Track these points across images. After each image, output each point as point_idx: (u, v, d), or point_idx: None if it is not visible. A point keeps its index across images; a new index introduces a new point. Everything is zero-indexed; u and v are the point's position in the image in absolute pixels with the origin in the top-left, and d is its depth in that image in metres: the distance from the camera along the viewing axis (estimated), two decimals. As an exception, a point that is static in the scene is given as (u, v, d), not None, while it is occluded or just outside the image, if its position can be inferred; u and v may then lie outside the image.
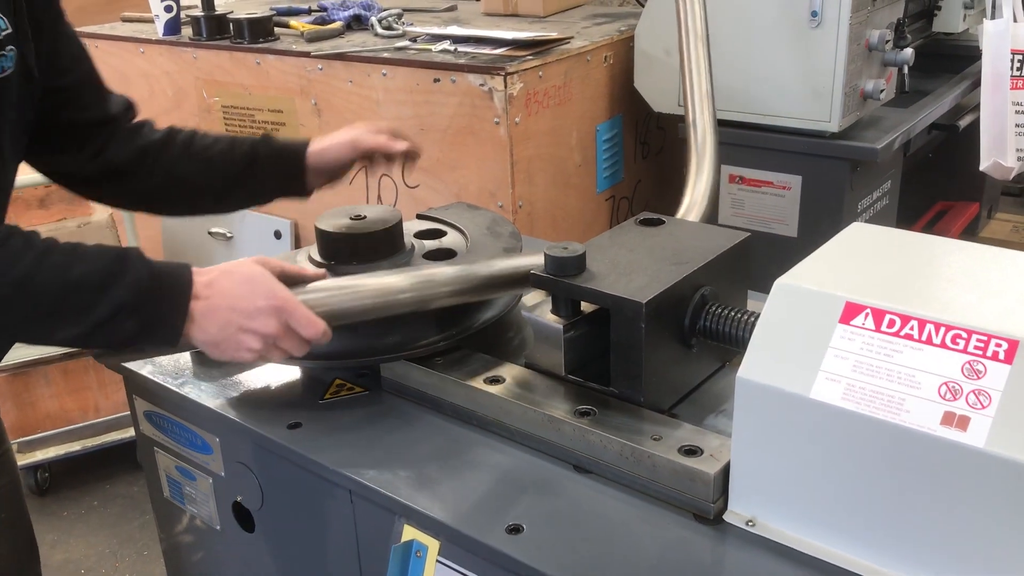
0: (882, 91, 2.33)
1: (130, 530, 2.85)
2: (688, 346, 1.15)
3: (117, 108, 1.43)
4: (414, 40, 2.59)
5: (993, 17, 2.42)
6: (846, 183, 2.33)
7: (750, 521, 0.97)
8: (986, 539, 0.82)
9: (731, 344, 1.13)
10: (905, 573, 0.88)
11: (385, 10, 2.90)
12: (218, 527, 1.38)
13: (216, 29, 2.83)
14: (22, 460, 2.83)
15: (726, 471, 0.98)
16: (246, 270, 1.14)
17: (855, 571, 0.91)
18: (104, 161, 1.40)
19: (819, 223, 2.37)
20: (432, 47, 2.48)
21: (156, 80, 2.96)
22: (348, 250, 1.40)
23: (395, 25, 2.77)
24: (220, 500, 1.35)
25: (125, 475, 3.06)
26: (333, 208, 1.45)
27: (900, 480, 0.86)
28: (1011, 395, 0.81)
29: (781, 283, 0.95)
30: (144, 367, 1.36)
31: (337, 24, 2.81)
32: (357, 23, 2.86)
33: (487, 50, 2.40)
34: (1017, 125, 2.43)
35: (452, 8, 3.23)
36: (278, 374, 1.32)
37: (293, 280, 1.17)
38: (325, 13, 2.96)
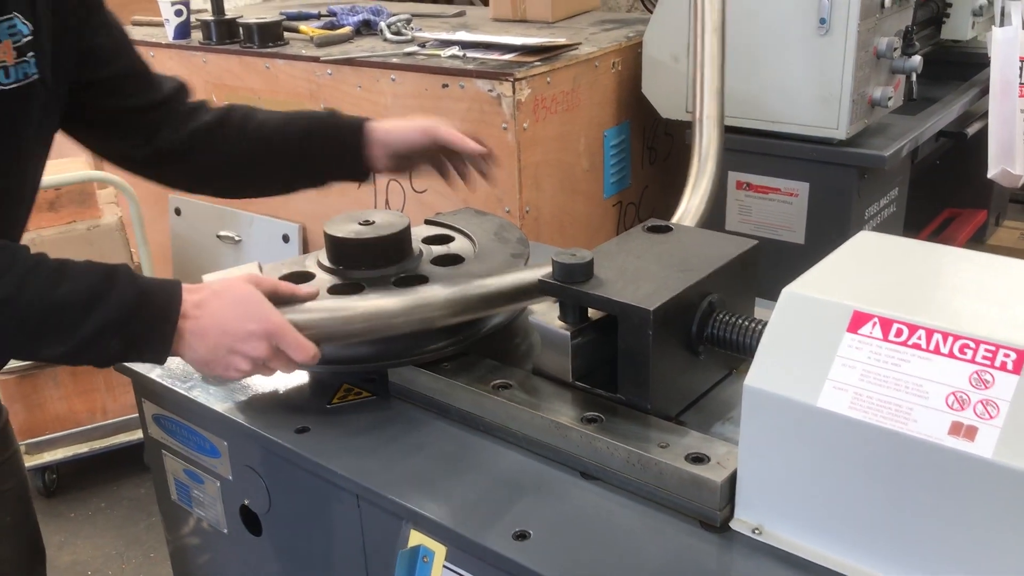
0: (890, 98, 2.33)
1: (137, 532, 2.86)
2: (695, 353, 1.16)
3: (166, 92, 1.40)
4: (423, 45, 2.60)
5: (1002, 24, 2.42)
6: (853, 190, 2.33)
7: (756, 529, 0.97)
8: (993, 549, 0.82)
9: (738, 352, 1.13)
10: (912, 582, 0.88)
11: (394, 15, 2.91)
12: (225, 530, 1.38)
13: (226, 33, 2.85)
14: (30, 461, 2.85)
15: (733, 479, 0.99)
16: (238, 292, 1.13)
17: (861, 580, 0.91)
18: (159, 145, 1.39)
19: (826, 230, 2.37)
20: (441, 52, 2.49)
21: (166, 84, 2.97)
22: (357, 255, 1.41)
23: (404, 30, 2.78)
24: (227, 503, 1.35)
25: (132, 477, 3.07)
26: (342, 213, 1.46)
27: (907, 490, 0.86)
28: (1019, 405, 0.81)
29: (789, 291, 0.95)
30: (153, 371, 1.36)
31: (346, 29, 2.82)
32: (366, 28, 2.88)
33: (496, 56, 2.41)
34: (1025, 133, 2.43)
35: (461, 14, 3.24)
36: (286, 379, 1.33)
37: (285, 300, 1.17)
38: (335, 18, 2.97)
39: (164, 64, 2.95)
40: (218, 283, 1.14)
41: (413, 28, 2.83)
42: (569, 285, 1.13)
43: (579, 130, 2.52)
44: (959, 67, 2.93)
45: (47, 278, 1.05)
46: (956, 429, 0.82)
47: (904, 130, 2.44)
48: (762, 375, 0.93)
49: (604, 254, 1.19)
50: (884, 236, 1.09)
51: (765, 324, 1.02)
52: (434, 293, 1.23)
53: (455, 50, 2.49)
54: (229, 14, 2.90)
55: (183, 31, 2.94)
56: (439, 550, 1.05)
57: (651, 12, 2.89)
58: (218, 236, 3.05)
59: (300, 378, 1.33)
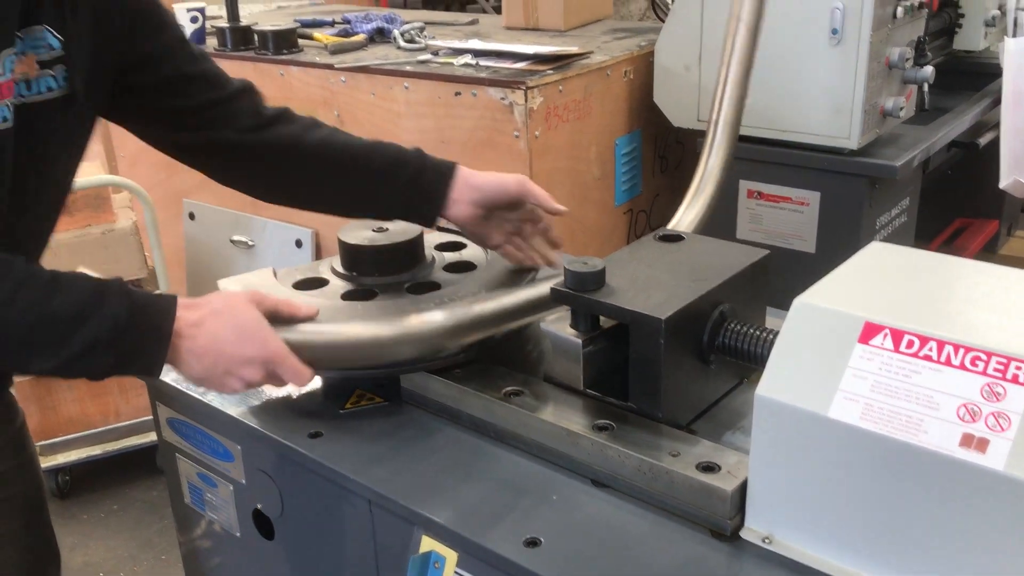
0: (902, 108, 2.33)
1: (149, 535, 2.87)
2: (706, 362, 1.16)
3: (230, 91, 1.36)
4: (436, 53, 2.61)
5: (1015, 35, 2.42)
6: (865, 200, 2.34)
7: (767, 538, 0.98)
8: (1003, 561, 0.83)
9: (749, 361, 1.14)
10: (921, 593, 0.89)
11: (408, 23, 2.92)
12: (238, 534, 1.39)
13: (241, 40, 2.87)
14: (43, 463, 2.87)
15: (743, 488, 0.99)
16: (239, 315, 1.12)
17: (871, 590, 0.91)
18: (217, 140, 1.35)
19: (837, 239, 2.37)
20: (454, 60, 2.51)
21: (180, 90, 3.00)
22: (370, 262, 1.42)
23: (417, 38, 2.79)
24: (240, 507, 1.36)
25: (144, 480, 3.09)
26: (355, 220, 1.47)
27: (918, 501, 0.86)
28: (1029, 417, 0.81)
29: (800, 302, 0.96)
30: (168, 374, 1.37)
31: (360, 37, 2.84)
32: (380, 36, 2.89)
33: (508, 64, 2.42)
34: (1038, 143, 2.42)
35: (474, 22, 3.26)
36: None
37: (286, 320, 1.16)
38: (348, 26, 2.99)
39: (179, 70, 2.97)
40: (220, 301, 1.13)
41: (426, 36, 2.84)
42: (581, 293, 1.14)
43: (590, 138, 2.53)
44: (971, 77, 2.93)
45: (39, 291, 1.04)
46: (967, 441, 0.83)
47: (916, 140, 2.44)
48: (773, 385, 0.94)
49: (616, 263, 1.20)
50: (895, 247, 1.09)
51: (776, 334, 1.03)
52: (433, 318, 1.21)
53: (468, 58, 2.50)
54: (244, 21, 2.92)
55: (198, 37, 2.97)
56: (450, 556, 1.06)
57: (663, 21, 2.90)
58: (231, 241, 3.06)
59: (313, 383, 1.34)
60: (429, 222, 1.42)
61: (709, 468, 1.02)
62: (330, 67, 2.61)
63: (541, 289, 1.30)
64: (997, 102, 2.64)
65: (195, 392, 1.33)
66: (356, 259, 1.43)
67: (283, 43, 2.78)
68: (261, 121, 1.36)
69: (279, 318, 1.15)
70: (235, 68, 2.84)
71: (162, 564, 2.76)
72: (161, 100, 1.32)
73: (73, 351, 1.05)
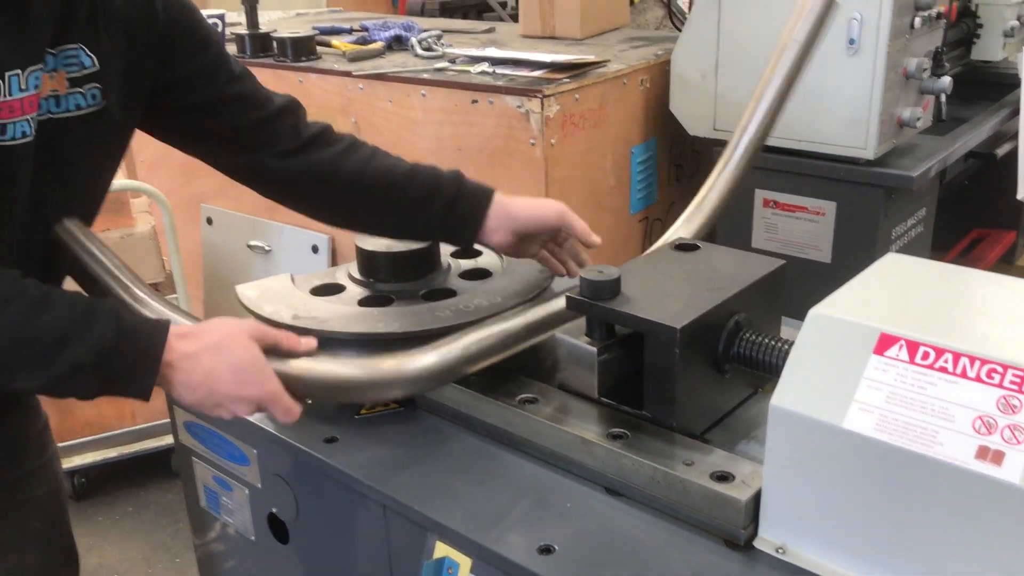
0: (919, 119, 2.33)
1: (163, 537, 2.89)
2: (721, 372, 1.16)
3: (273, 110, 1.35)
4: (453, 61, 2.62)
5: (1033, 46, 2.41)
6: (881, 210, 2.33)
7: (780, 548, 0.98)
8: (1019, 574, 0.83)
9: (764, 371, 1.14)
10: (936, 605, 0.88)
11: (425, 31, 2.94)
12: (252, 537, 1.40)
13: (260, 47, 2.89)
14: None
15: (757, 498, 0.99)
16: (238, 354, 1.09)
17: (885, 601, 0.91)
18: (260, 159, 1.35)
19: (853, 249, 2.36)
20: (471, 68, 2.52)
21: (199, 96, 3.02)
22: (387, 268, 1.43)
23: (435, 46, 2.81)
24: (255, 511, 1.37)
25: (159, 482, 3.11)
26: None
27: (932, 513, 0.86)
28: (1045, 430, 0.81)
29: (815, 313, 0.96)
30: (185, 379, 1.39)
31: (378, 44, 2.86)
32: (398, 44, 2.91)
33: (525, 72, 2.43)
34: (1056, 155, 2.41)
35: (491, 30, 3.27)
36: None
37: (285, 355, 1.13)
38: (367, 33, 3.01)
39: (198, 76, 2.99)
40: (219, 335, 1.09)
41: (443, 44, 2.86)
42: (596, 302, 1.14)
43: (606, 146, 2.53)
44: (989, 87, 2.92)
45: (25, 309, 1.03)
46: (983, 453, 0.83)
47: (933, 150, 2.44)
48: (788, 395, 0.94)
49: (631, 271, 1.21)
50: (911, 258, 1.09)
51: (791, 344, 1.03)
52: (427, 358, 1.19)
53: (485, 66, 2.51)
54: (263, 28, 2.94)
55: (218, 44, 2.99)
56: (464, 562, 1.06)
57: (680, 30, 2.91)
58: (249, 246, 3.08)
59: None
60: (467, 247, 1.47)
61: (723, 477, 1.02)
62: (348, 74, 2.63)
63: (538, 314, 1.29)
64: (1015, 113, 2.63)
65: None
66: (373, 266, 1.44)
67: (302, 50, 2.80)
68: (299, 144, 1.35)
69: (279, 352, 1.12)
70: (254, 74, 2.87)
71: (176, 567, 2.77)
72: (199, 121, 1.33)
73: (57, 372, 1.03)
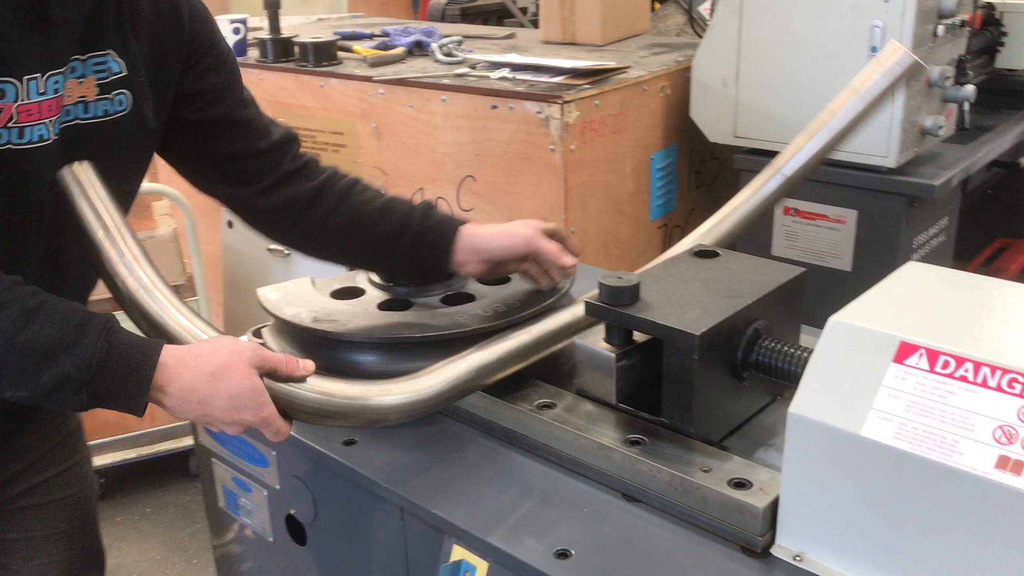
0: (941, 127, 2.32)
1: (181, 538, 2.90)
2: (740, 379, 1.16)
3: (271, 142, 1.37)
4: (473, 67, 2.63)
5: (1058, 55, 2.39)
6: (902, 219, 2.32)
7: (798, 556, 0.98)
8: (1038, 585, 0.82)
9: (783, 379, 1.14)
10: (954, 616, 0.88)
11: (446, 37, 2.95)
12: (271, 539, 1.41)
13: (282, 52, 2.91)
14: (80, 465, 2.91)
15: (775, 505, 0.99)
16: (236, 384, 1.05)
17: (903, 611, 0.90)
18: (251, 194, 1.36)
19: (873, 258, 2.35)
20: (491, 74, 2.53)
21: (222, 100, 3.05)
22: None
23: (455, 52, 2.82)
24: (274, 512, 1.38)
25: (177, 484, 3.13)
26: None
27: (951, 522, 0.86)
28: (1067, 441, 0.80)
29: (835, 321, 0.96)
30: (206, 380, 1.40)
31: (399, 50, 2.87)
32: (418, 49, 2.92)
33: (545, 78, 2.44)
34: (1081, 164, 2.39)
35: (511, 36, 3.28)
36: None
37: (284, 379, 1.10)
38: (388, 39, 3.03)
39: (221, 81, 3.02)
40: (218, 360, 1.06)
41: (464, 50, 2.87)
42: (615, 308, 1.14)
43: (626, 152, 2.54)
44: (1014, 96, 2.90)
45: (16, 317, 1.01)
46: (1003, 463, 0.82)
47: (955, 159, 2.42)
48: (807, 403, 0.94)
49: (650, 278, 1.21)
50: (932, 267, 1.09)
51: (810, 352, 1.03)
52: (431, 381, 1.18)
53: (505, 72, 2.52)
54: (285, 33, 2.97)
55: (240, 49, 3.02)
56: (481, 565, 1.06)
57: (700, 37, 2.90)
58: (269, 249, 3.10)
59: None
60: (446, 278, 1.43)
61: (741, 484, 1.02)
62: (368, 79, 2.64)
63: (541, 330, 1.30)
64: (1039, 122, 2.61)
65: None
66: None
67: (323, 55, 2.82)
68: (279, 177, 1.36)
69: (278, 377, 1.09)
70: (276, 79, 2.89)
71: (193, 568, 2.79)
72: (201, 139, 1.33)
73: (45, 384, 1.02)
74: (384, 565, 1.23)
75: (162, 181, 3.21)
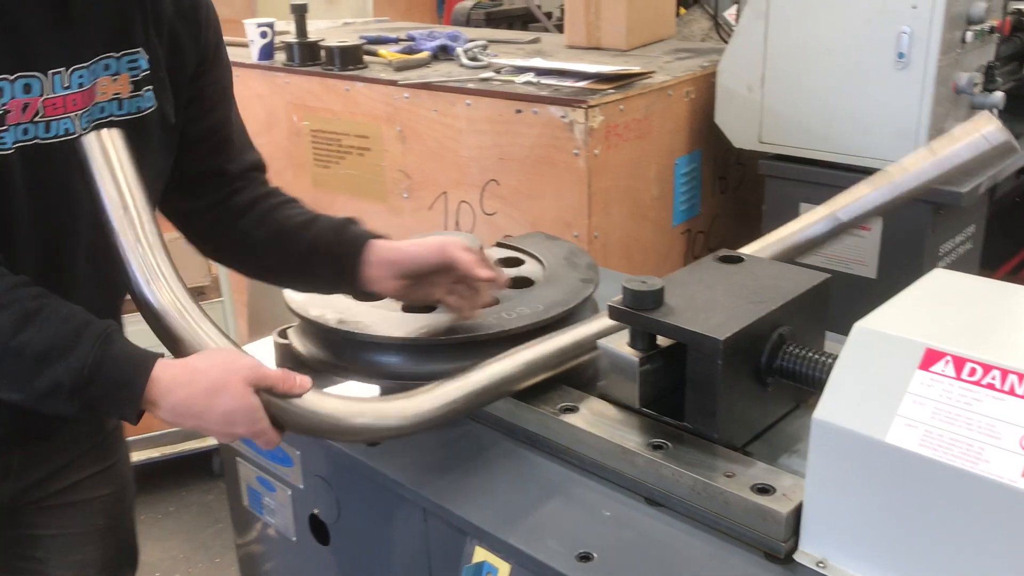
0: (969, 134, 2.30)
1: (204, 537, 2.93)
2: (764, 385, 1.16)
3: (242, 167, 1.37)
4: (498, 71, 2.64)
5: (1088, 62, 2.37)
6: (928, 226, 2.30)
7: (821, 562, 0.97)
8: (1065, 595, 0.81)
9: (807, 385, 1.13)
10: (979, 625, 0.87)
11: (471, 41, 2.96)
12: (294, 538, 1.42)
13: (308, 55, 2.93)
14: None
15: (798, 511, 0.99)
16: (231, 403, 1.04)
17: (927, 620, 0.90)
18: (199, 214, 1.36)
19: (899, 265, 2.34)
20: (515, 79, 2.53)
21: (248, 103, 3.07)
22: (431, 275, 1.44)
23: (480, 56, 2.83)
24: (297, 512, 1.39)
25: (200, 483, 3.16)
26: (417, 234, 1.50)
27: (976, 530, 0.85)
28: (1095, 450, 0.80)
29: (860, 327, 0.95)
30: (232, 380, 1.41)
31: (424, 54, 2.89)
32: (443, 53, 2.93)
33: (569, 83, 2.44)
34: (1111, 172, 2.37)
35: (536, 40, 3.29)
36: (359, 393, 1.36)
37: (281, 395, 1.08)
38: (413, 43, 3.04)
39: (248, 84, 3.05)
40: (214, 376, 1.05)
41: (489, 54, 2.88)
42: (639, 312, 1.14)
43: (650, 157, 2.53)
44: (1043, 103, 2.87)
45: (15, 319, 1.02)
46: (1029, 471, 0.82)
47: (983, 166, 2.40)
48: (831, 409, 0.94)
49: (675, 282, 1.21)
50: (959, 274, 1.08)
51: (835, 358, 1.03)
52: (430, 396, 1.16)
53: (530, 76, 2.53)
54: (311, 37, 2.99)
55: (267, 52, 3.04)
56: (503, 567, 1.07)
57: (725, 42, 2.90)
58: (292, 251, 3.12)
59: (372, 393, 1.37)
60: (359, 296, 1.35)
61: (764, 490, 1.02)
62: (394, 83, 2.66)
63: (544, 350, 1.26)
64: (1069, 129, 2.58)
65: (258, 397, 1.36)
66: (417, 272, 1.45)
67: (349, 59, 2.84)
68: (225, 193, 1.36)
69: (275, 393, 1.08)
70: (302, 82, 2.92)
71: (216, 567, 2.81)
72: (181, 154, 1.31)
73: (38, 388, 1.03)
74: (406, 566, 1.24)
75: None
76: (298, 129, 2.98)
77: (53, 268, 1.17)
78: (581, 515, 1.08)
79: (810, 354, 1.13)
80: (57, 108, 1.12)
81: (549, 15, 4.45)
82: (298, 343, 1.40)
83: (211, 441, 3.01)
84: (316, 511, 1.35)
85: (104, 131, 1.12)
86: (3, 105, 1.08)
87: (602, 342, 1.21)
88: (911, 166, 1.36)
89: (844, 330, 0.97)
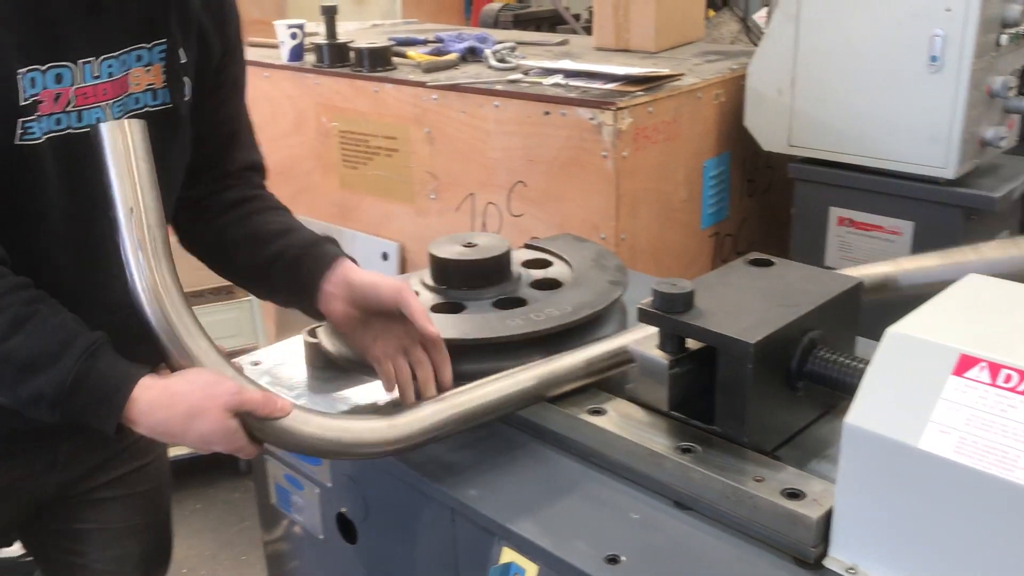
0: (1003, 138, 2.27)
1: (230, 535, 2.95)
2: (794, 389, 1.15)
3: (235, 164, 1.38)
4: (526, 73, 2.64)
5: (1126, 66, 2.33)
6: (959, 231, 2.28)
7: (851, 569, 0.97)
8: (1102, 606, 0.80)
9: (838, 389, 1.12)
10: (1013, 634, 0.86)
11: (499, 43, 2.97)
12: (321, 536, 1.43)
13: (337, 57, 2.95)
14: (134, 460, 2.97)
15: (829, 516, 0.98)
16: (209, 427, 1.06)
17: (960, 628, 0.89)
18: (185, 205, 1.36)
19: (930, 270, 2.31)
20: (544, 80, 2.53)
21: (278, 103, 3.10)
22: (459, 276, 1.45)
23: (508, 58, 2.83)
24: (325, 510, 1.40)
25: (227, 481, 3.18)
26: (444, 235, 1.50)
27: (1011, 538, 0.84)
28: None
29: (893, 332, 0.95)
30: (262, 378, 1.42)
31: (453, 56, 2.90)
32: (472, 55, 2.94)
33: (598, 85, 2.44)
34: None
35: (564, 42, 3.29)
36: (386, 395, 1.37)
37: (261, 419, 1.09)
38: (442, 45, 3.05)
39: (278, 85, 3.07)
40: (193, 399, 1.06)
41: (517, 56, 2.88)
42: (669, 315, 1.14)
43: (679, 160, 2.53)
44: (1078, 107, 2.83)
45: (4, 325, 1.04)
46: (1066, 480, 0.81)
47: (1017, 171, 2.38)
48: (863, 414, 0.93)
49: (705, 285, 1.20)
50: (993, 279, 1.07)
51: (866, 363, 1.02)
52: (422, 413, 1.17)
53: (558, 78, 2.53)
54: (341, 39, 3.01)
55: (297, 53, 3.06)
56: (530, 568, 1.07)
57: (755, 45, 2.88)
58: (320, 251, 3.14)
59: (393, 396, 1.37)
60: (311, 313, 1.32)
61: (794, 495, 1.01)
62: (422, 85, 2.67)
63: (530, 378, 1.23)
64: (1105, 134, 2.54)
65: (288, 396, 1.37)
66: (446, 273, 1.46)
67: (378, 60, 2.85)
68: (217, 187, 1.37)
69: (255, 417, 1.09)
70: (332, 83, 2.93)
71: (241, 564, 2.83)
72: (196, 140, 1.32)
73: (20, 396, 1.05)
74: (434, 565, 1.24)
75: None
76: (327, 130, 3.00)
77: (88, 262, 1.19)
78: (609, 517, 1.08)
79: (841, 359, 1.13)
80: (88, 97, 1.14)
81: (577, 17, 4.45)
82: (327, 342, 1.41)
83: (238, 439, 3.03)
84: (344, 510, 1.36)
85: (125, 122, 1.12)
86: (35, 95, 1.10)
87: (632, 345, 1.21)
88: (991, 254, 1.37)
89: (874, 335, 0.96)
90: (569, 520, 1.08)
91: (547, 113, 2.40)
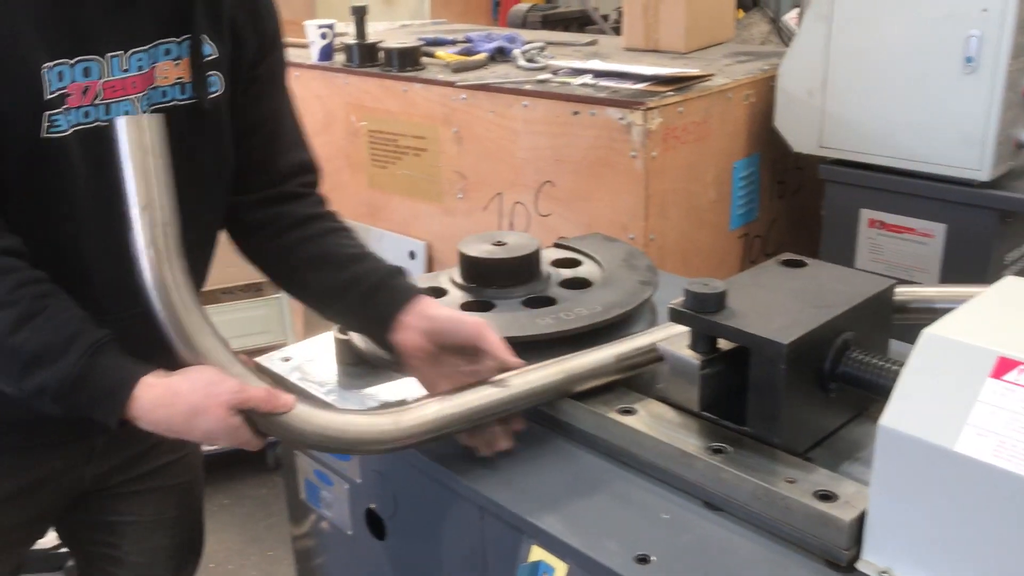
0: (1039, 141, 2.25)
1: (257, 530, 2.97)
2: (826, 391, 1.14)
3: (286, 164, 1.37)
4: (555, 73, 2.64)
5: None
6: (994, 234, 2.25)
7: (884, 572, 0.96)
8: None
9: (872, 391, 1.11)
10: (1050, 641, 0.85)
11: (528, 43, 2.97)
12: (350, 532, 1.43)
13: (367, 57, 2.96)
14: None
15: (861, 519, 0.97)
16: (211, 425, 1.06)
17: (995, 634, 0.88)
18: (242, 210, 1.36)
19: (963, 274, 2.29)
20: (573, 80, 2.53)
21: (307, 103, 3.12)
22: (488, 275, 1.45)
23: (537, 58, 2.84)
24: (354, 506, 1.40)
25: (254, 477, 3.20)
26: (473, 234, 1.51)
27: (1050, 543, 0.83)
28: None
29: (929, 333, 0.94)
30: (292, 374, 1.43)
31: (482, 56, 2.90)
32: (501, 55, 2.95)
33: (627, 85, 2.43)
34: None
35: (593, 42, 3.28)
36: (416, 390, 1.37)
37: (264, 416, 1.09)
38: (471, 45, 3.06)
39: (308, 85, 3.09)
40: (195, 398, 1.06)
41: (546, 56, 2.88)
42: (701, 315, 1.14)
43: (708, 160, 2.52)
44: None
45: (13, 318, 1.05)
46: (1107, 485, 0.80)
47: (1052, 174, 2.35)
48: (898, 416, 0.92)
49: (737, 285, 1.20)
50: (1032, 282, 1.06)
51: (900, 365, 1.01)
52: (422, 410, 1.15)
53: (587, 78, 2.52)
54: (371, 39, 3.02)
55: (327, 53, 3.08)
56: (559, 567, 1.07)
57: (786, 45, 2.87)
58: (348, 250, 3.16)
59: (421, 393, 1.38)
60: (381, 343, 1.30)
61: (827, 497, 1.00)
62: (451, 85, 2.68)
63: (538, 379, 1.21)
64: None
65: (319, 393, 1.38)
66: (476, 272, 1.46)
67: (407, 60, 2.86)
68: (272, 196, 1.35)
69: (256, 414, 1.09)
70: (361, 83, 2.95)
71: (269, 560, 2.85)
72: (239, 137, 1.31)
73: (26, 388, 1.06)
74: (462, 563, 1.25)
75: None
76: (356, 129, 3.02)
77: (115, 252, 1.18)
78: (639, 517, 1.08)
79: (875, 360, 1.12)
80: (116, 91, 1.15)
81: (605, 17, 4.45)
82: (358, 339, 1.42)
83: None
84: (373, 506, 1.36)
85: (143, 117, 1.13)
86: (62, 89, 1.11)
87: (663, 344, 1.20)
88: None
89: (906, 338, 0.95)
90: (599, 519, 1.08)
91: (576, 113, 2.40)
